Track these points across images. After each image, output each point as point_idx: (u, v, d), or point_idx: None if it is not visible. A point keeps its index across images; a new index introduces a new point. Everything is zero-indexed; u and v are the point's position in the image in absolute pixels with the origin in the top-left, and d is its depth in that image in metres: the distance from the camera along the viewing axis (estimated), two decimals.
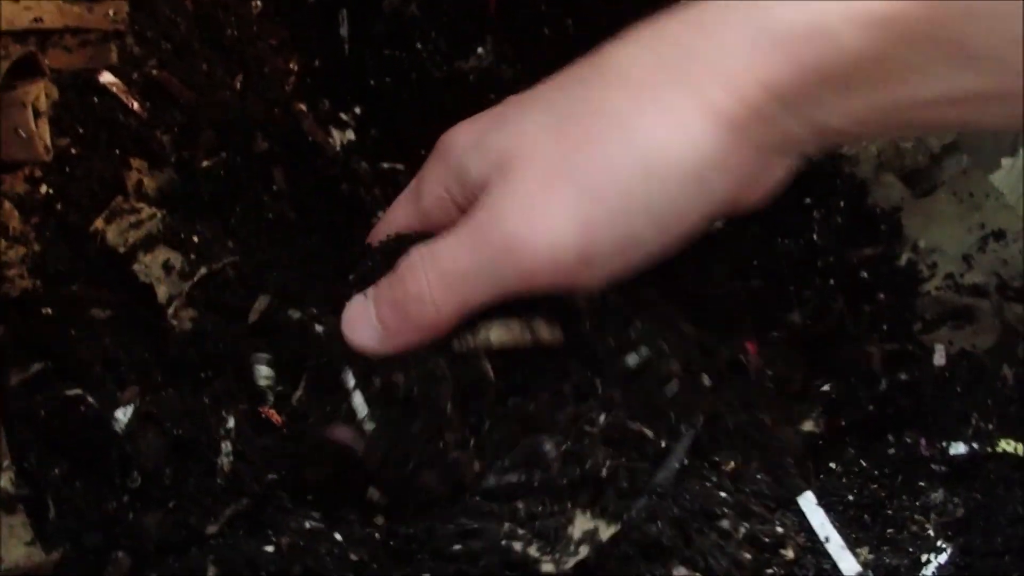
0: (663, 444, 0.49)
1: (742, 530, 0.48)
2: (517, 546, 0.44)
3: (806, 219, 0.64)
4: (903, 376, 0.59)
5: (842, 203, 0.64)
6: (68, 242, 0.54)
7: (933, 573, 0.49)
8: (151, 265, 0.54)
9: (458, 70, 0.68)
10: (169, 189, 0.58)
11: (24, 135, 0.52)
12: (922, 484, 0.54)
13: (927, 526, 0.51)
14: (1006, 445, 0.53)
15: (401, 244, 0.49)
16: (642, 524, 0.46)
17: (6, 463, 0.45)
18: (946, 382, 0.58)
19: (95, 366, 0.51)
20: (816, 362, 0.62)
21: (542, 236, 0.42)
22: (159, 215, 0.56)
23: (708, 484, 0.49)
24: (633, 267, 0.44)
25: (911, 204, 0.65)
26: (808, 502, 0.51)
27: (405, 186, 0.68)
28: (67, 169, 0.54)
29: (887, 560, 0.50)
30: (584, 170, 0.42)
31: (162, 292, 0.54)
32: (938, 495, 0.53)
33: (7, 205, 0.52)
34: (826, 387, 0.61)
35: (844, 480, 0.55)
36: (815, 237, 0.64)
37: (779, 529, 0.49)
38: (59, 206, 0.54)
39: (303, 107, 0.65)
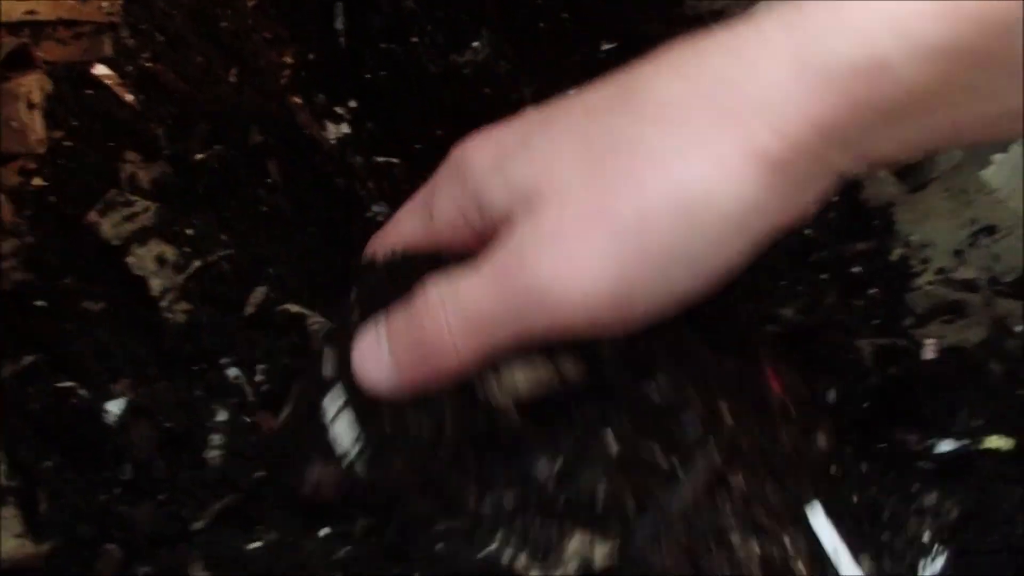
0: (676, 471, 0.46)
1: (753, 548, 0.47)
2: (507, 552, 0.43)
3: None
4: (893, 370, 0.59)
5: (835, 198, 0.65)
6: (61, 235, 0.54)
7: None
8: (145, 258, 0.54)
9: (454, 64, 0.68)
10: (163, 182, 0.58)
11: (17, 127, 0.52)
12: (916, 487, 0.53)
13: (924, 530, 0.51)
14: (992, 442, 0.53)
15: (410, 265, 0.46)
16: (646, 546, 0.44)
17: None
18: (936, 376, 0.58)
19: (88, 358, 0.51)
20: (809, 358, 0.62)
21: (575, 283, 0.39)
22: (153, 208, 0.56)
23: (719, 504, 0.47)
24: (666, 313, 0.42)
25: (904, 199, 0.65)
26: (817, 515, 0.50)
27: (400, 180, 0.68)
28: (60, 161, 0.54)
29: (887, 567, 0.50)
30: (620, 212, 0.39)
31: (156, 285, 0.54)
32: (932, 498, 0.53)
33: (0, 197, 0.52)
34: (831, 395, 0.60)
35: (844, 484, 0.54)
36: (808, 231, 0.64)
37: (789, 546, 0.48)
38: (52, 198, 0.54)
39: (298, 100, 0.65)
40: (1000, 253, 0.63)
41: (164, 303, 0.53)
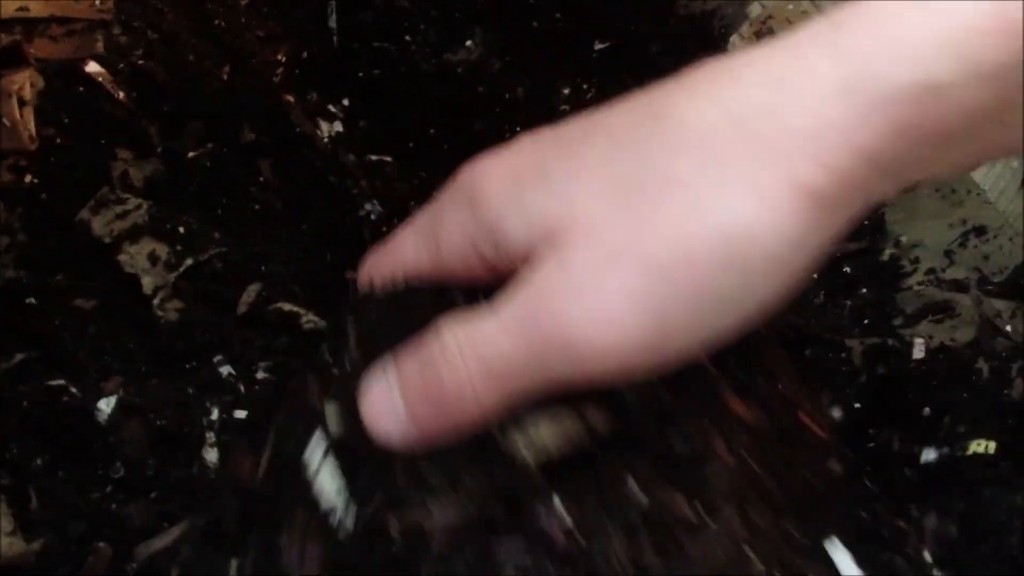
0: (702, 522, 0.43)
1: None
2: None
3: None
4: (883, 370, 0.59)
5: None
6: (53, 232, 0.54)
7: None
8: (137, 256, 0.54)
9: (447, 63, 0.68)
10: (155, 180, 0.58)
11: (9, 124, 0.52)
12: (915, 507, 0.53)
13: (923, 550, 0.51)
14: (976, 447, 0.53)
15: (414, 298, 0.43)
16: None
17: None
18: (925, 376, 0.58)
19: (80, 356, 0.51)
20: (799, 358, 0.62)
21: (607, 331, 0.36)
22: (145, 206, 0.56)
23: (745, 552, 0.45)
24: (699, 353, 0.39)
25: (894, 200, 0.65)
26: (836, 549, 0.49)
27: (393, 178, 0.68)
28: (52, 159, 0.54)
29: None
30: (654, 251, 0.36)
31: (148, 283, 0.54)
32: (932, 519, 0.52)
33: None
34: (836, 413, 0.59)
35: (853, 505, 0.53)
36: None
37: None
38: (44, 196, 0.54)
39: (291, 98, 0.65)
40: (990, 253, 0.63)
41: (156, 301, 0.53)
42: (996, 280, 0.63)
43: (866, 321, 0.63)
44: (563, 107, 0.73)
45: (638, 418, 0.42)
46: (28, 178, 0.53)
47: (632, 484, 0.41)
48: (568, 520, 0.39)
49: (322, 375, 0.43)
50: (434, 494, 0.39)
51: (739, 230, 0.35)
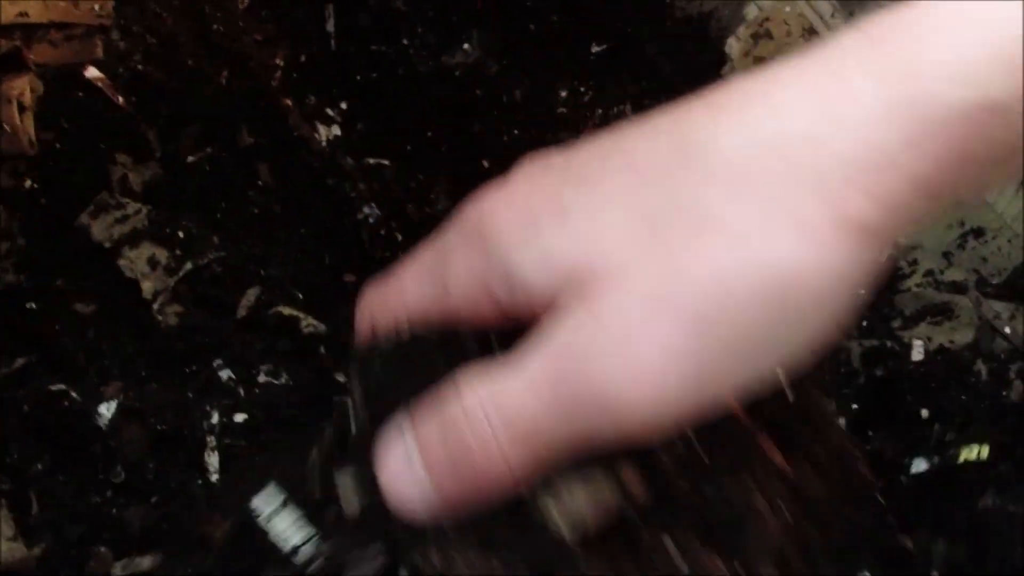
0: None
1: None
2: None
3: None
4: (880, 372, 0.60)
5: None
6: (53, 237, 0.54)
7: None
8: (136, 260, 0.54)
9: (445, 65, 0.68)
10: (154, 184, 0.58)
11: (9, 130, 0.52)
12: (924, 530, 0.53)
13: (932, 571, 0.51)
14: (968, 453, 0.52)
15: (423, 349, 0.39)
16: None
17: None
18: (923, 377, 0.59)
19: (79, 360, 0.51)
20: None
21: (645, 385, 0.33)
22: (144, 210, 0.56)
23: None
24: (737, 401, 0.37)
25: None
26: None
27: (391, 181, 0.68)
28: (52, 164, 0.54)
29: None
30: (690, 296, 0.33)
31: (147, 287, 0.54)
32: (940, 547, 0.52)
33: None
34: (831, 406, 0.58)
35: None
36: None
37: None
38: (44, 200, 0.54)
39: (289, 102, 0.65)
40: (988, 255, 0.63)
41: (156, 305, 0.53)
42: (995, 282, 0.63)
43: (864, 323, 0.63)
44: (561, 109, 0.73)
45: (674, 479, 0.39)
46: (28, 183, 0.53)
47: (671, 549, 0.38)
48: None
49: (345, 456, 0.40)
50: (462, 565, 0.36)
51: (782, 269, 0.33)
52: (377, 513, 0.37)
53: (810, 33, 0.76)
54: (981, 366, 0.59)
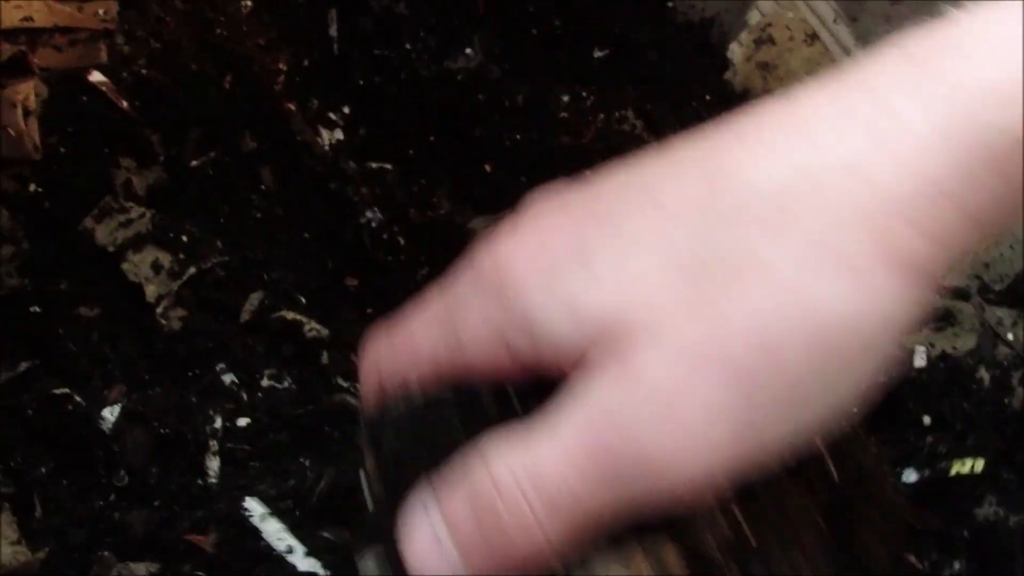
0: None
1: None
2: None
3: None
4: (882, 378, 0.59)
5: None
6: (57, 241, 0.54)
7: None
8: (140, 264, 0.54)
9: (447, 70, 0.69)
10: (158, 188, 0.58)
11: (13, 134, 0.52)
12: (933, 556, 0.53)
13: None
14: (960, 467, 0.52)
15: (439, 412, 0.37)
16: None
17: None
18: (925, 384, 0.59)
19: (83, 364, 0.51)
20: None
21: (689, 449, 0.31)
22: (148, 214, 0.56)
23: None
24: (783, 456, 0.34)
25: None
26: None
27: (393, 186, 0.69)
28: (56, 168, 0.54)
29: None
30: (736, 349, 0.31)
31: (151, 291, 0.54)
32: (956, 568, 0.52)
33: None
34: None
35: None
36: None
37: None
38: (48, 204, 0.54)
39: (292, 106, 0.66)
40: (991, 261, 0.63)
41: (160, 309, 0.54)
42: (997, 288, 0.63)
43: None
44: (562, 114, 0.73)
45: (719, 560, 0.37)
46: (32, 187, 0.54)
47: None
48: None
49: (364, 536, 0.37)
50: None
51: (830, 315, 0.30)
52: None
53: (812, 38, 0.76)
54: (983, 373, 0.59)
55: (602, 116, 0.73)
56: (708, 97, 0.77)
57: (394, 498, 0.35)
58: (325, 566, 0.47)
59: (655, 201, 0.33)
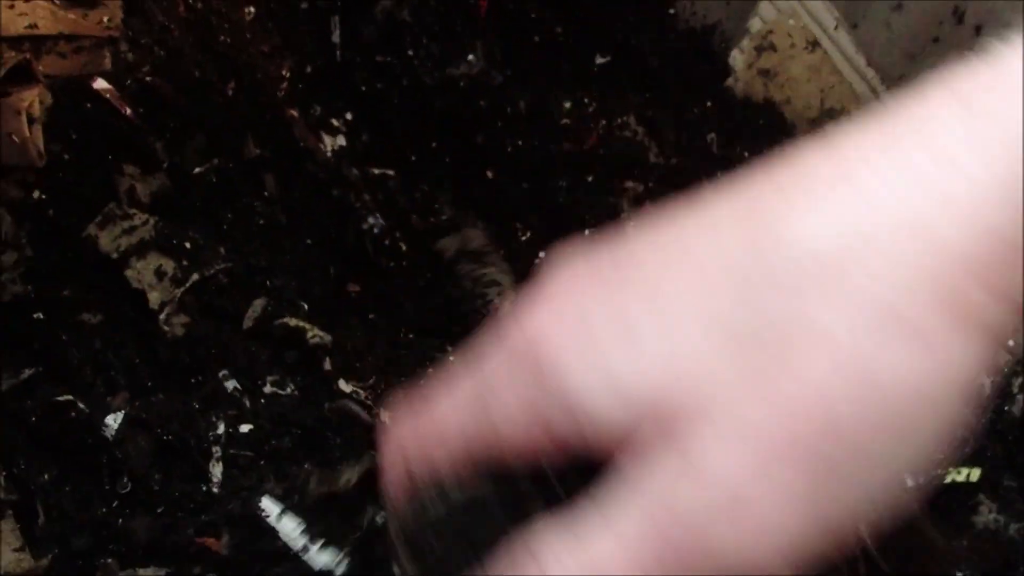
0: None
1: None
2: None
3: None
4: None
5: None
6: (60, 247, 0.54)
7: None
8: (143, 271, 0.55)
9: (449, 76, 0.69)
10: (161, 195, 0.58)
11: (18, 141, 0.52)
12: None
13: None
14: (956, 475, 0.52)
15: (476, 508, 0.34)
16: None
17: None
18: None
19: (86, 371, 0.51)
20: None
21: (760, 539, 0.29)
22: (151, 221, 0.56)
23: None
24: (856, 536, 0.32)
25: None
26: None
27: (396, 192, 0.69)
28: (60, 175, 0.54)
29: None
30: (798, 428, 0.29)
31: (154, 298, 0.54)
32: None
33: (0, 210, 0.52)
34: None
35: None
36: None
37: None
38: (52, 211, 0.54)
39: (295, 113, 0.66)
40: None
41: (163, 316, 0.54)
42: None
43: None
44: (564, 120, 0.73)
45: None
46: (36, 194, 0.54)
47: None
48: None
49: None
50: None
51: (895, 382, 0.28)
52: None
53: (813, 45, 0.76)
54: (984, 379, 0.59)
55: (604, 122, 0.74)
56: (709, 103, 0.77)
57: None
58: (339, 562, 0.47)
59: (695, 263, 0.31)
